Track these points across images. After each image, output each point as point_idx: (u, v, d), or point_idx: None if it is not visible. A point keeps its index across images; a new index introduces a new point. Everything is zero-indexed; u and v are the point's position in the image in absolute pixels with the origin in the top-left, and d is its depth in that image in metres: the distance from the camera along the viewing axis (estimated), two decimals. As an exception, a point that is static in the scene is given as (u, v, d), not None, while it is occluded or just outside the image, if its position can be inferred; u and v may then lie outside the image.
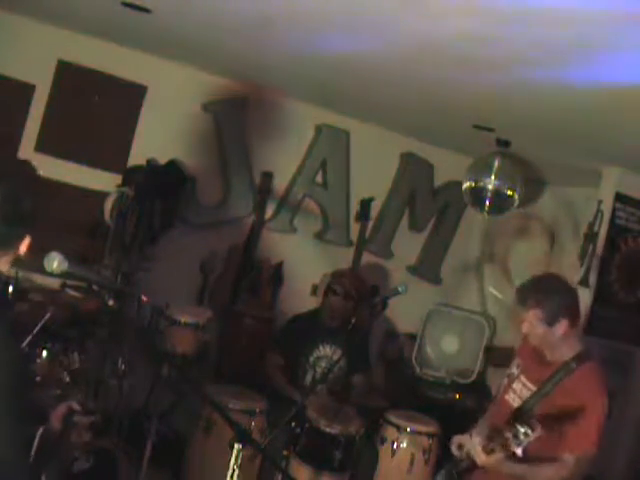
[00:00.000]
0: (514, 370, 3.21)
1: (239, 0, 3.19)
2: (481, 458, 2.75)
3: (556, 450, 2.81)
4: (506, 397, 3.16)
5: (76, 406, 2.32)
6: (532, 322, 2.96)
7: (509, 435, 2.57)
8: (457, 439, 3.16)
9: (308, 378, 4.41)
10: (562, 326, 2.93)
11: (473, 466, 2.93)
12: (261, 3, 3.16)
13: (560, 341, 2.98)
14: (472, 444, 2.83)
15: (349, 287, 4.46)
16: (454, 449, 3.17)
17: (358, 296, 4.49)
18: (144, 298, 3.09)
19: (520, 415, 2.97)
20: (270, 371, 4.38)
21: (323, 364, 4.41)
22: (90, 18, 4.12)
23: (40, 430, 2.17)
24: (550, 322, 2.92)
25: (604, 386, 2.92)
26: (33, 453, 2.10)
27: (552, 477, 2.84)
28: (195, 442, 3.95)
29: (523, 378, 3.13)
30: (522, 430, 2.55)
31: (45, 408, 2.35)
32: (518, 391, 3.11)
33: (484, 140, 4.69)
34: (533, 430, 2.54)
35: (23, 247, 2.06)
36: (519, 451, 2.56)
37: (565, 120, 3.86)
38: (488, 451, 2.73)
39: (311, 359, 4.43)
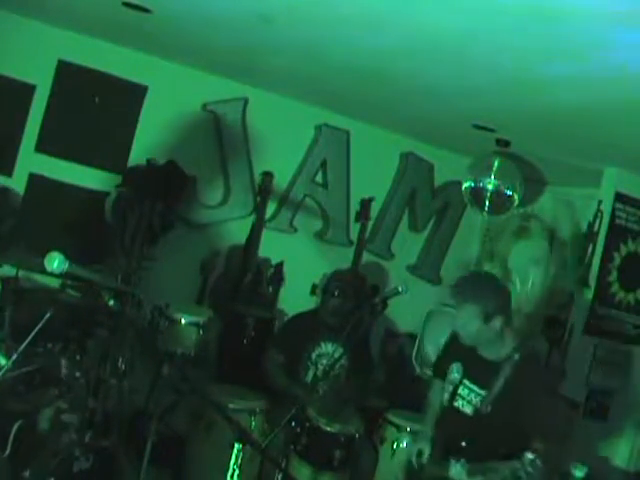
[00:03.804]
0: (455, 375, 3.15)
1: (239, 0, 3.19)
2: None
3: (521, 445, 2.75)
4: (455, 404, 3.11)
5: (63, 405, 2.33)
6: (467, 318, 2.95)
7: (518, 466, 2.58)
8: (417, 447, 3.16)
9: (309, 375, 4.41)
10: (498, 322, 2.93)
11: None
12: (260, 3, 3.16)
13: (497, 337, 2.97)
14: (456, 470, 2.80)
15: (347, 288, 4.45)
16: (414, 458, 3.15)
17: (357, 296, 4.48)
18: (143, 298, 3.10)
19: (480, 422, 2.94)
20: (271, 369, 4.38)
21: (324, 361, 4.40)
22: (90, 18, 4.12)
23: (17, 424, 2.16)
24: (486, 318, 2.91)
25: (550, 373, 2.95)
26: (11, 447, 2.10)
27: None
28: (195, 442, 3.95)
29: (467, 382, 3.08)
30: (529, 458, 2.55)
31: (33, 407, 2.34)
32: (466, 397, 3.07)
33: (484, 140, 4.69)
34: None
35: None
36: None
37: (565, 120, 3.86)
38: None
39: (313, 356, 4.42)
